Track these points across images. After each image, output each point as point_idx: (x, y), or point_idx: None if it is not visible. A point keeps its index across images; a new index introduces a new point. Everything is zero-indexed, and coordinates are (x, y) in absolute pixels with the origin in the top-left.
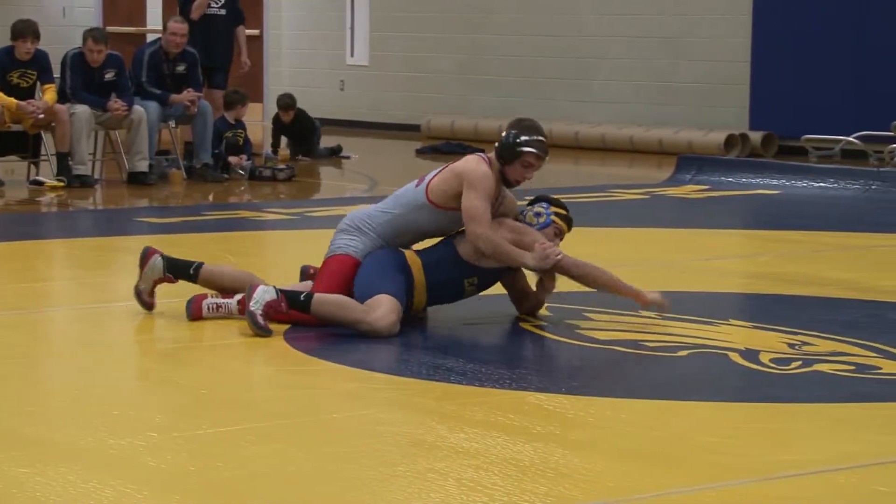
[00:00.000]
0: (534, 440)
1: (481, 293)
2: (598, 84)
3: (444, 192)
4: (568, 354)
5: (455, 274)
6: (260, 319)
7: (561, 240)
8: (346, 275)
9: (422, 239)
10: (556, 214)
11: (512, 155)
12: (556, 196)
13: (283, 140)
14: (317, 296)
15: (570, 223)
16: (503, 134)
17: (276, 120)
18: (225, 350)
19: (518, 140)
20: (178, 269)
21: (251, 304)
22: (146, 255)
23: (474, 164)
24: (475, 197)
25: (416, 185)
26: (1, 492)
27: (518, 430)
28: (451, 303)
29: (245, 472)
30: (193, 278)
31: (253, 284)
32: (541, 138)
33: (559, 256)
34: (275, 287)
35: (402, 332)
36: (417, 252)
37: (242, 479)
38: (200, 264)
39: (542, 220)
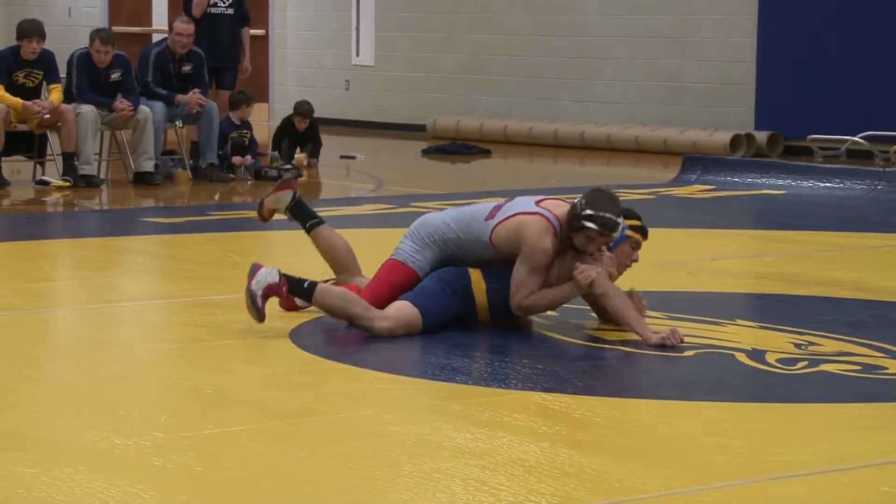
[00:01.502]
0: (540, 440)
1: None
2: (603, 84)
3: (505, 242)
4: (574, 354)
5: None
6: (259, 301)
7: (638, 250)
8: (396, 283)
9: (480, 264)
10: (631, 227)
11: (576, 225)
12: (625, 207)
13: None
14: (320, 286)
15: (644, 233)
16: (578, 200)
17: (290, 125)
18: (230, 350)
19: (583, 213)
20: (298, 214)
21: (252, 283)
22: (282, 184)
23: (535, 237)
24: (526, 269)
25: (486, 219)
26: (7, 492)
27: (524, 429)
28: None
29: (251, 472)
30: (307, 230)
31: (257, 264)
32: (607, 215)
33: (593, 276)
34: (278, 270)
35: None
36: (484, 272)
37: (248, 479)
38: (319, 223)
39: (616, 234)
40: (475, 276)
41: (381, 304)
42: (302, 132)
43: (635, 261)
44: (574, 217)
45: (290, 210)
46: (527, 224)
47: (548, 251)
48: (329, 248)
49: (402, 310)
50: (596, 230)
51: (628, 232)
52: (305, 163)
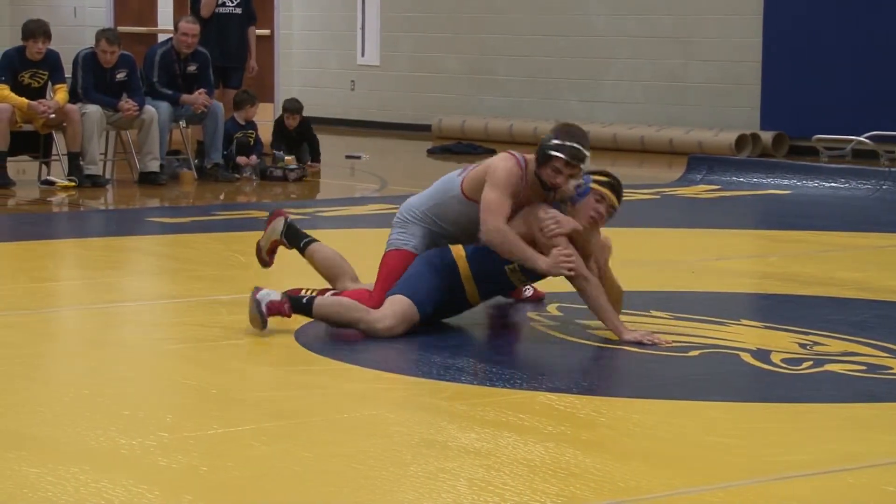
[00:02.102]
0: (545, 440)
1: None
2: (608, 84)
3: (474, 183)
4: (579, 354)
5: (496, 259)
6: (264, 308)
7: (609, 211)
8: (399, 269)
9: (463, 233)
10: (596, 181)
11: (543, 157)
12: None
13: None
14: (318, 299)
15: (614, 189)
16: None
17: (280, 123)
18: (235, 350)
19: (549, 143)
20: (293, 238)
21: (258, 294)
22: (273, 214)
23: (500, 160)
24: (492, 189)
25: (458, 175)
26: (12, 492)
27: (529, 430)
28: (504, 294)
29: (255, 472)
30: (301, 251)
31: (257, 287)
32: (573, 144)
33: (571, 271)
34: (280, 292)
35: (413, 331)
36: (464, 247)
37: (252, 478)
38: (311, 241)
39: (580, 189)
40: (456, 249)
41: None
42: (294, 130)
43: (601, 214)
44: (540, 149)
45: (284, 236)
46: (491, 160)
47: (513, 172)
48: (323, 259)
49: (394, 304)
50: (563, 159)
51: (592, 184)
52: (294, 164)
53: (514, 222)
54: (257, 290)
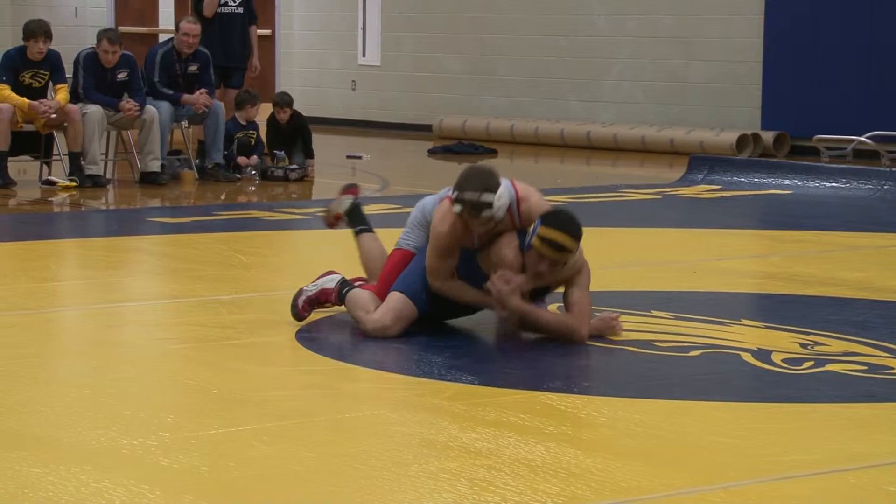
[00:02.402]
0: (546, 440)
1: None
2: (609, 84)
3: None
4: (580, 354)
5: (472, 265)
6: (300, 302)
7: (554, 265)
8: (399, 267)
9: None
10: (541, 238)
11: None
12: (565, 210)
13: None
14: (350, 292)
15: (556, 248)
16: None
17: (272, 120)
18: (236, 350)
19: (452, 195)
20: (354, 219)
21: (310, 284)
22: (347, 188)
23: (437, 220)
24: (431, 254)
25: (441, 199)
26: (13, 492)
27: (530, 430)
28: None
29: (256, 472)
30: (355, 234)
31: (329, 270)
32: (466, 195)
33: (514, 307)
34: (343, 279)
35: (414, 331)
36: None
37: (254, 478)
38: (366, 230)
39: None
40: None
41: None
42: (286, 125)
43: (545, 271)
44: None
45: (347, 214)
46: (438, 208)
47: (443, 234)
48: (367, 251)
49: (390, 303)
50: (465, 212)
51: (534, 241)
52: (295, 164)
53: (483, 257)
54: (324, 275)
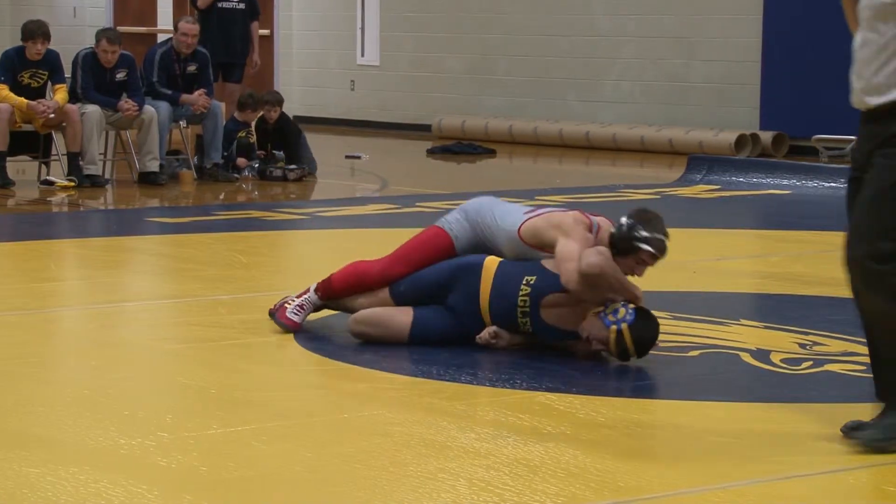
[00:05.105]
0: (544, 440)
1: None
2: (609, 84)
3: (533, 232)
4: (579, 355)
5: (515, 289)
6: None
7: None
8: (429, 244)
9: (508, 255)
10: (649, 243)
11: (627, 248)
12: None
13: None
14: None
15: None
16: (622, 220)
17: (261, 121)
18: (235, 350)
19: (637, 234)
20: None
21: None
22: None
23: (570, 220)
24: (566, 241)
25: (524, 213)
26: (12, 492)
27: (529, 429)
28: (511, 329)
29: (255, 472)
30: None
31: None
32: (661, 237)
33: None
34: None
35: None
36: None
37: (252, 478)
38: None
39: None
40: (492, 257)
41: (410, 267)
42: (273, 125)
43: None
44: (623, 238)
45: None
46: (561, 215)
47: (585, 223)
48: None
49: (395, 316)
50: (651, 253)
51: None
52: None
53: (567, 316)
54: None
